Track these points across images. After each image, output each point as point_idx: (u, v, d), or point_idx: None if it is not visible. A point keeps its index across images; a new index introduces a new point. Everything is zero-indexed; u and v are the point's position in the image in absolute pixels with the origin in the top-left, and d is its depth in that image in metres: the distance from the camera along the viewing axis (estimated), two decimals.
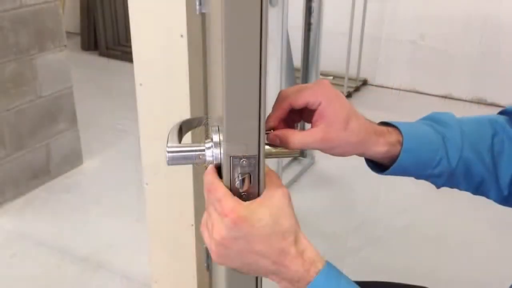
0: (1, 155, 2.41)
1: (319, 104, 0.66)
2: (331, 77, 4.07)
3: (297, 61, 2.84)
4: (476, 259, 2.21)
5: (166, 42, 1.14)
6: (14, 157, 2.47)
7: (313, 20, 2.73)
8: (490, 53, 3.74)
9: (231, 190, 0.56)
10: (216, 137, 0.58)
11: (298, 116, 0.71)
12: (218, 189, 0.56)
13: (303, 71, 2.85)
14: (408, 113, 3.59)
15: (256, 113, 0.53)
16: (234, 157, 0.55)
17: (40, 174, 2.62)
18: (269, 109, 0.67)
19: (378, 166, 0.77)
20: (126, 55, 4.44)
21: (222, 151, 0.56)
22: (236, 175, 0.56)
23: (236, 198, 0.56)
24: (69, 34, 4.36)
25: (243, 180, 0.56)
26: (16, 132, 2.46)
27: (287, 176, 2.73)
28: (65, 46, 2.60)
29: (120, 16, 4.77)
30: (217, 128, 0.59)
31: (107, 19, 4.71)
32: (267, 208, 0.56)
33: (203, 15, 1.02)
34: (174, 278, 1.47)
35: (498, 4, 3.59)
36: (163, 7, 1.12)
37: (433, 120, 0.77)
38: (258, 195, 0.57)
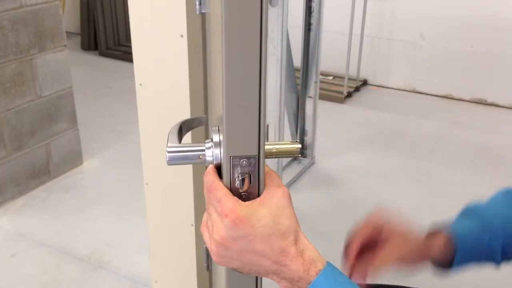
0: (1, 155, 2.41)
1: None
2: (331, 77, 4.07)
3: (297, 61, 2.84)
4: None
5: (166, 42, 1.14)
6: (14, 157, 2.48)
7: (313, 20, 2.73)
8: (490, 53, 3.74)
9: (231, 190, 0.56)
10: (216, 137, 0.58)
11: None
12: (218, 189, 0.56)
13: (303, 71, 2.85)
14: (408, 113, 3.61)
15: (256, 113, 0.53)
16: (234, 157, 0.55)
17: (40, 174, 2.62)
18: (269, 109, 0.68)
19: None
20: (126, 55, 4.45)
21: (222, 151, 0.56)
22: (236, 175, 0.56)
23: (236, 198, 0.56)
24: (69, 34, 4.37)
25: (243, 180, 0.56)
26: (16, 132, 2.46)
27: (287, 176, 2.73)
28: (65, 46, 2.60)
29: (120, 16, 4.78)
30: (217, 128, 0.59)
31: (107, 19, 4.71)
32: (267, 208, 0.56)
33: (203, 15, 1.02)
34: (174, 278, 1.47)
35: (498, 4, 3.59)
36: (163, 7, 1.12)
37: (469, 213, 0.90)
38: (258, 195, 0.57)
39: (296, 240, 0.57)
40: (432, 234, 0.90)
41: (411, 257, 0.86)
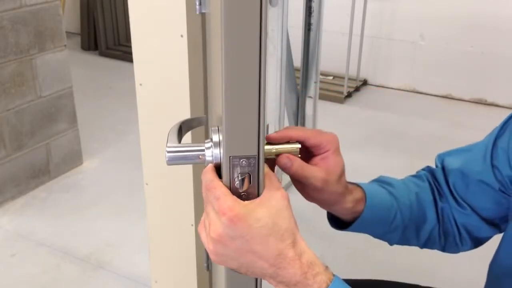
0: (1, 155, 2.41)
1: (327, 151, 0.74)
2: (331, 77, 4.07)
3: (297, 61, 2.84)
4: (477, 258, 2.21)
5: (166, 42, 1.14)
6: (14, 157, 2.47)
7: (313, 20, 2.72)
8: (489, 53, 3.74)
9: (230, 190, 0.56)
10: (216, 137, 0.58)
11: None
12: (216, 188, 0.56)
13: (303, 71, 2.85)
14: (408, 113, 3.61)
15: (256, 113, 0.53)
16: (234, 157, 0.55)
17: (40, 174, 2.62)
18: (269, 109, 0.68)
19: (340, 224, 0.84)
20: (126, 55, 4.45)
21: (221, 151, 0.56)
22: (235, 175, 0.56)
23: (234, 197, 0.56)
24: (69, 34, 4.36)
25: (242, 180, 0.56)
26: (16, 132, 2.46)
27: (286, 177, 2.72)
28: (65, 46, 2.60)
29: (120, 16, 4.78)
30: (216, 128, 0.59)
31: (107, 19, 4.71)
32: (266, 208, 0.56)
33: (203, 15, 1.02)
34: (174, 278, 1.47)
35: (498, 4, 3.59)
36: (163, 7, 1.12)
37: (382, 182, 0.87)
38: (258, 195, 0.57)
39: (294, 243, 0.57)
40: (353, 186, 0.82)
41: (330, 197, 0.76)
